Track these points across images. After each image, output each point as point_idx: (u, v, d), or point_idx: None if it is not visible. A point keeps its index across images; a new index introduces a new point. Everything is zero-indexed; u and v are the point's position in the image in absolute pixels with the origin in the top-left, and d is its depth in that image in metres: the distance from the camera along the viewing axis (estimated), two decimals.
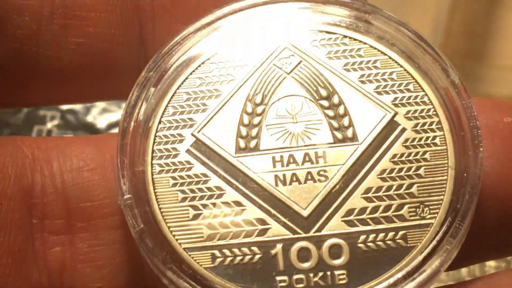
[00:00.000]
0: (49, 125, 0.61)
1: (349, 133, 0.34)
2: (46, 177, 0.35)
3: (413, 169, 0.33)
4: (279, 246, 0.32)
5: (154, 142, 0.33)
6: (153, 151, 0.33)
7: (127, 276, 0.35)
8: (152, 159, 0.33)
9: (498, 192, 0.33)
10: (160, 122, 0.34)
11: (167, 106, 0.34)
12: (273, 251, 0.32)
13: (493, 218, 0.34)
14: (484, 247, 0.35)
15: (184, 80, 0.34)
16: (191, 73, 0.34)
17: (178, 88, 0.34)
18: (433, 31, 0.64)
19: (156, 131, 0.34)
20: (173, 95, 0.34)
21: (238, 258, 0.32)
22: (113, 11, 0.37)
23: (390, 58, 0.35)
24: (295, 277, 0.32)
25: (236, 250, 0.32)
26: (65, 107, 0.62)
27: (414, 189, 0.33)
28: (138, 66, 0.35)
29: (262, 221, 0.33)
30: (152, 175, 0.33)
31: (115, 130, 0.61)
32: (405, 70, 0.34)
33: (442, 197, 0.33)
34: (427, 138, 0.33)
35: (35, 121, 0.61)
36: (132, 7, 0.37)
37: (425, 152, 0.33)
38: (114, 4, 0.37)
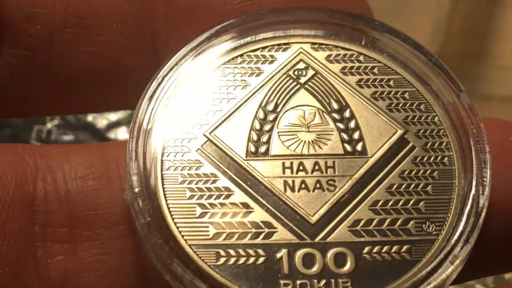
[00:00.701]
0: (49, 125, 0.60)
1: (359, 146, 0.34)
2: (49, 185, 0.34)
3: (421, 186, 0.33)
4: (284, 250, 0.32)
5: (165, 139, 0.33)
6: (163, 147, 0.33)
7: (132, 286, 0.34)
8: (162, 155, 0.33)
9: (507, 208, 0.34)
10: (170, 121, 0.34)
11: (178, 107, 0.34)
12: (278, 255, 0.32)
13: (502, 233, 0.34)
14: (493, 261, 0.35)
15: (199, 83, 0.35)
16: (205, 76, 0.35)
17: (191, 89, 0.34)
18: (433, 31, 0.64)
19: (167, 127, 0.34)
20: (184, 97, 0.34)
21: (243, 258, 0.32)
22: (126, 20, 0.37)
23: (403, 77, 0.35)
24: (299, 282, 0.32)
25: (241, 251, 0.32)
26: None
27: (421, 205, 0.33)
28: (150, 76, 0.35)
29: (268, 225, 0.32)
30: (162, 171, 0.33)
31: (115, 130, 0.60)
32: (417, 90, 0.35)
33: (448, 215, 0.33)
34: (436, 157, 0.34)
35: (35, 121, 0.60)
36: (145, 16, 0.37)
37: (433, 171, 0.33)
38: (127, 14, 0.37)
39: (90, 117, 0.61)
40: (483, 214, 0.33)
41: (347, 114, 0.34)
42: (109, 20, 0.37)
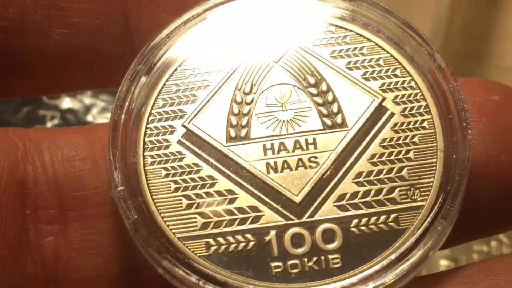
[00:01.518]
0: (49, 124, 0.61)
1: (339, 119, 0.34)
2: (38, 168, 0.35)
3: (402, 152, 0.33)
4: (272, 233, 0.32)
5: (145, 134, 0.34)
6: (144, 142, 0.34)
7: (121, 264, 0.35)
8: (143, 150, 0.33)
9: (488, 170, 0.34)
10: (150, 114, 0.34)
11: (157, 98, 0.34)
12: (267, 238, 0.32)
13: (483, 196, 0.34)
14: (475, 225, 0.35)
15: (173, 72, 0.34)
16: (179, 65, 0.35)
17: (167, 80, 0.34)
18: (433, 32, 0.64)
19: (147, 123, 0.34)
20: (162, 87, 0.34)
21: (233, 245, 0.32)
22: (97, 1, 0.37)
23: (377, 44, 0.35)
24: (289, 262, 0.32)
25: (230, 238, 0.32)
26: (65, 106, 0.62)
27: (404, 173, 0.33)
28: (123, 56, 0.36)
29: (255, 209, 0.33)
30: (144, 166, 0.33)
31: None
32: (391, 56, 0.35)
33: (432, 179, 0.33)
34: (416, 122, 0.34)
35: (35, 121, 0.61)
36: None
37: (414, 136, 0.33)
38: None
39: (90, 117, 0.61)
40: (467, 174, 0.33)
41: (323, 87, 0.34)
42: (80, 1, 0.37)
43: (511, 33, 0.66)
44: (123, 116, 0.34)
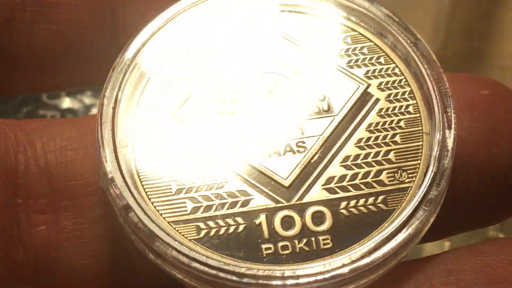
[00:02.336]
0: None
1: (325, 105, 0.34)
2: (29, 158, 0.35)
3: (389, 136, 0.34)
4: (262, 216, 0.33)
5: (134, 121, 0.34)
6: (133, 129, 0.34)
7: (113, 253, 0.35)
8: (132, 138, 0.34)
9: (477, 163, 0.35)
10: (138, 103, 0.34)
11: (144, 87, 0.34)
12: (257, 221, 0.33)
13: (472, 188, 0.35)
14: (464, 217, 0.36)
15: (158, 64, 0.35)
16: (164, 57, 0.35)
17: (154, 71, 0.35)
18: (433, 31, 0.65)
19: (136, 111, 0.34)
20: (149, 78, 0.35)
21: (223, 229, 0.32)
22: None
23: (360, 34, 0.36)
24: (280, 244, 0.32)
25: (220, 222, 0.32)
26: (65, 106, 0.62)
27: (391, 156, 0.33)
28: (110, 52, 0.36)
29: (244, 193, 0.33)
30: (134, 152, 0.33)
31: None
32: (375, 44, 0.35)
33: (418, 161, 0.33)
34: (401, 107, 0.34)
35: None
36: None
37: (399, 120, 0.34)
38: None
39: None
40: (452, 155, 0.33)
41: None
42: None
43: (511, 33, 0.66)
44: (111, 104, 0.34)
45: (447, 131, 0.33)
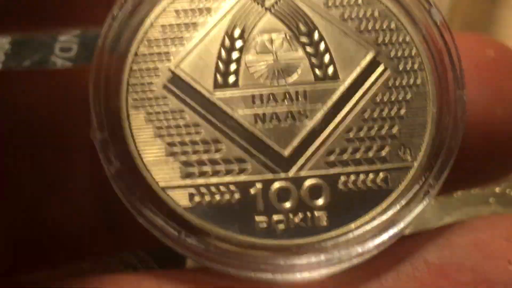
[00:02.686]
0: None
1: (330, 71, 0.33)
2: None
3: (394, 110, 0.32)
4: (258, 186, 0.31)
5: (129, 76, 0.32)
6: (128, 85, 0.32)
7: (100, 213, 0.34)
8: (127, 94, 0.32)
9: (482, 123, 0.34)
10: (135, 55, 0.32)
11: (142, 38, 0.32)
12: (252, 191, 0.31)
13: (477, 151, 0.34)
14: (468, 175, 0.36)
15: (161, 13, 0.33)
16: (167, 5, 0.33)
17: (154, 21, 0.33)
18: None
19: (131, 65, 0.32)
20: (149, 28, 0.33)
21: (217, 197, 0.31)
22: None
23: None
24: (275, 217, 0.31)
25: (214, 189, 0.31)
26: None
27: (395, 131, 0.32)
28: None
29: (240, 160, 0.32)
30: (127, 110, 0.32)
31: None
32: (387, 8, 0.34)
33: (424, 138, 0.32)
34: (409, 79, 0.33)
35: None
36: None
37: (406, 93, 0.33)
38: None
39: None
40: (460, 136, 0.32)
41: (316, 37, 0.33)
42: None
43: (511, 33, 0.65)
44: (106, 56, 0.32)
45: (456, 108, 0.32)
